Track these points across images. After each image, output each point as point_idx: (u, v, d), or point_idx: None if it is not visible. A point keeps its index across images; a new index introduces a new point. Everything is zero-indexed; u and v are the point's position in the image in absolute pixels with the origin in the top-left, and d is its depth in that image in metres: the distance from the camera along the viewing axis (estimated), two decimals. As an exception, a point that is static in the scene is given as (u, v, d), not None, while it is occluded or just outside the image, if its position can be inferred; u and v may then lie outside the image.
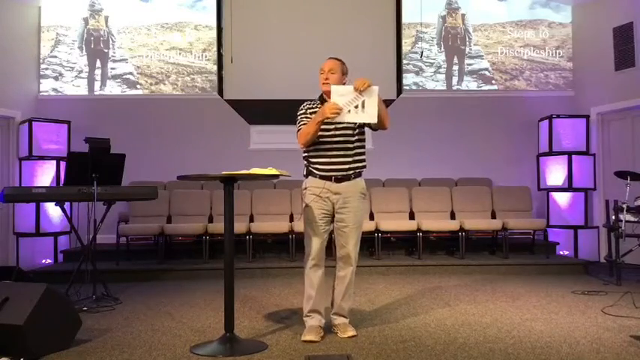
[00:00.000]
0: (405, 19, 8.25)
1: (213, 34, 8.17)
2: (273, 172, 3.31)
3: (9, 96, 7.30)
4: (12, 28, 7.43)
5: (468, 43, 8.27)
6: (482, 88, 8.23)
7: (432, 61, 8.29)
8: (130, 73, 8.06)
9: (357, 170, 3.49)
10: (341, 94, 3.24)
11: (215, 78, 8.14)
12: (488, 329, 3.63)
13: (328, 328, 3.52)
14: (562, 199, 7.42)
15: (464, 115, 8.10)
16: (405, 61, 8.24)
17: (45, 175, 6.91)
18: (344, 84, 3.47)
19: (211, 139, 7.93)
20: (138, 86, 8.05)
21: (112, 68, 8.04)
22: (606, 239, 6.16)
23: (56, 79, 7.93)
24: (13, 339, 3.00)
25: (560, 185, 7.42)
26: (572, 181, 7.32)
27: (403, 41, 8.26)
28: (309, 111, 3.50)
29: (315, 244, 3.42)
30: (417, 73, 8.26)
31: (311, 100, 3.58)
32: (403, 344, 3.30)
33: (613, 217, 5.64)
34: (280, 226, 6.35)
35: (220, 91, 8.14)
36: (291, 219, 6.70)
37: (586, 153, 7.44)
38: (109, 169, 4.79)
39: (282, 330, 3.65)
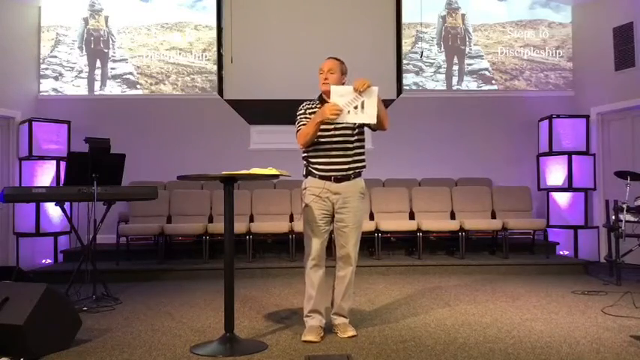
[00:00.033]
0: (405, 19, 8.26)
1: (213, 34, 8.18)
2: (273, 172, 3.31)
3: (9, 96, 7.30)
4: (12, 28, 7.43)
5: (468, 43, 8.27)
6: (482, 88, 8.23)
7: (432, 61, 8.29)
8: (130, 73, 8.06)
9: (357, 170, 3.49)
10: (340, 95, 3.24)
11: (215, 78, 8.14)
12: (488, 329, 3.63)
13: (328, 328, 3.52)
14: (562, 199, 7.42)
15: (464, 115, 8.10)
16: (405, 61, 8.24)
17: (45, 175, 6.91)
18: (343, 84, 3.47)
19: (211, 139, 7.93)
20: (138, 86, 8.05)
21: (112, 68, 8.04)
22: (606, 239, 6.16)
23: (56, 79, 7.93)
24: (13, 339, 3.00)
25: (560, 185, 7.42)
26: (572, 181, 7.32)
27: (403, 41, 8.26)
28: (308, 111, 3.50)
29: (315, 245, 3.42)
30: (417, 73, 8.26)
31: (310, 100, 3.58)
32: (403, 344, 3.30)
33: (613, 217, 5.64)
34: (280, 226, 6.35)
35: (220, 91, 8.14)
36: (291, 219, 6.70)
37: (586, 153, 7.44)
38: (109, 169, 4.79)
39: (282, 330, 3.65)
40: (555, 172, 7.46)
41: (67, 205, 4.97)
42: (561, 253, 7.07)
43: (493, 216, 6.89)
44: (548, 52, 8.22)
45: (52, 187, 5.90)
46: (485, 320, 3.88)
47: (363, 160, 3.53)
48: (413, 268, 6.06)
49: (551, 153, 7.50)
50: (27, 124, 6.93)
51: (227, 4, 8.09)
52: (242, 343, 3.30)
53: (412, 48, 8.27)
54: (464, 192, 7.05)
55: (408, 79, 8.24)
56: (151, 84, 8.08)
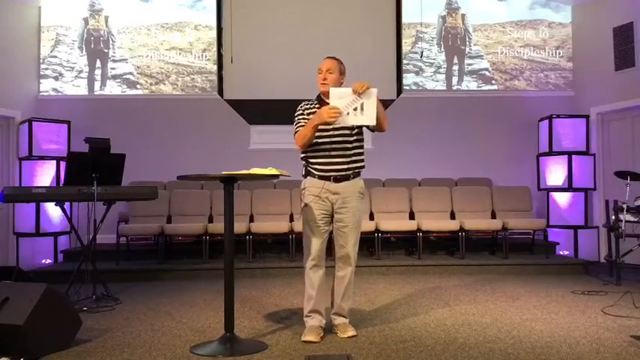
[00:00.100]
0: (405, 19, 8.26)
1: (213, 34, 8.18)
2: (273, 172, 3.31)
3: (9, 96, 7.30)
4: (12, 28, 7.43)
5: (468, 43, 8.27)
6: (482, 88, 8.23)
7: (432, 61, 8.29)
8: (130, 73, 8.06)
9: (356, 170, 3.49)
10: (339, 97, 3.24)
11: (215, 78, 8.14)
12: (488, 329, 3.63)
13: (328, 329, 3.52)
14: (562, 199, 7.42)
15: (464, 115, 8.10)
16: (405, 61, 8.24)
17: (45, 175, 6.90)
18: (342, 83, 3.48)
19: (211, 139, 7.93)
20: (138, 86, 8.05)
21: (112, 68, 8.04)
22: (606, 239, 6.16)
23: (56, 79, 7.93)
24: (13, 339, 3.00)
25: (560, 185, 7.42)
26: (572, 181, 7.32)
27: (403, 41, 8.26)
28: (306, 112, 3.49)
29: (315, 245, 3.42)
30: (417, 73, 8.26)
31: (308, 100, 3.58)
32: (403, 344, 3.30)
33: (613, 217, 5.64)
34: (280, 226, 6.35)
35: (220, 91, 8.14)
36: (291, 219, 6.70)
37: (586, 153, 7.44)
38: (109, 169, 4.79)
39: (282, 330, 3.65)
40: (555, 172, 7.46)
41: (67, 205, 4.97)
42: (561, 253, 7.07)
43: (493, 216, 6.89)
44: (548, 52, 8.22)
45: (52, 187, 5.91)
46: (485, 320, 3.88)
47: (362, 161, 3.53)
48: (413, 268, 6.06)
49: (551, 153, 7.50)
50: (27, 124, 6.93)
51: (227, 4, 8.09)
52: (242, 343, 3.30)
53: (412, 48, 8.27)
54: (464, 192, 7.05)
55: (408, 79, 8.24)
56: (151, 84, 8.08)
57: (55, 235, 6.90)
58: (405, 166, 7.85)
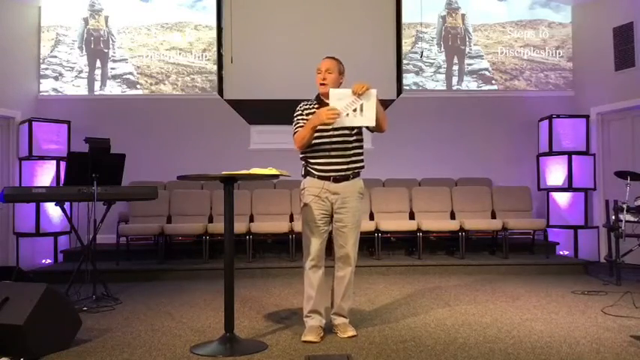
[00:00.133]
0: (405, 19, 8.26)
1: (213, 34, 8.18)
2: (273, 172, 3.31)
3: (9, 96, 7.30)
4: (12, 28, 7.43)
5: (468, 43, 8.27)
6: (482, 88, 8.23)
7: (432, 61, 8.29)
8: (130, 73, 8.06)
9: (356, 170, 3.49)
10: (339, 98, 3.25)
11: (215, 78, 8.14)
12: (488, 329, 3.63)
13: (328, 329, 3.52)
14: (562, 199, 7.42)
15: (464, 115, 8.10)
16: (405, 61, 8.24)
17: (45, 175, 6.90)
18: (341, 83, 3.48)
19: (211, 139, 7.93)
20: (138, 86, 8.05)
21: (112, 68, 8.04)
22: (606, 239, 6.16)
23: (56, 79, 7.93)
24: (13, 339, 3.00)
25: (560, 185, 7.42)
26: (572, 181, 7.32)
27: (403, 41, 8.26)
28: (305, 112, 3.49)
29: (315, 245, 3.42)
30: (417, 73, 8.26)
31: (308, 101, 3.58)
32: (403, 344, 3.30)
33: (613, 217, 5.64)
34: (280, 226, 6.35)
35: (220, 91, 8.14)
36: (291, 219, 6.70)
37: (586, 153, 7.44)
38: (109, 169, 4.79)
39: (282, 330, 3.65)
40: (555, 172, 7.46)
41: (67, 205, 4.98)
42: (561, 253, 7.07)
43: (493, 216, 6.89)
44: (548, 52, 8.22)
45: (52, 187, 5.91)
46: (485, 320, 3.88)
47: (361, 161, 3.53)
48: (413, 268, 6.06)
49: (551, 153, 7.50)
50: (27, 124, 6.93)
51: (227, 4, 8.09)
52: (242, 343, 3.30)
53: (412, 48, 8.27)
54: (464, 192, 7.05)
55: (408, 79, 8.24)
56: (151, 84, 8.08)
57: (55, 235, 6.90)
58: (405, 166, 7.85)
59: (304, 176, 3.53)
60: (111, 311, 4.30)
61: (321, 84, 3.44)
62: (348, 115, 3.24)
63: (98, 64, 8.03)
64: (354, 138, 3.47)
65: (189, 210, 6.77)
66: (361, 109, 3.24)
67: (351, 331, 3.46)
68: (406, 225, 6.48)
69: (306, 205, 3.46)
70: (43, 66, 7.90)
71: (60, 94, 7.90)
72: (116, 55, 8.06)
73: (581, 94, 7.96)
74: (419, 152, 7.98)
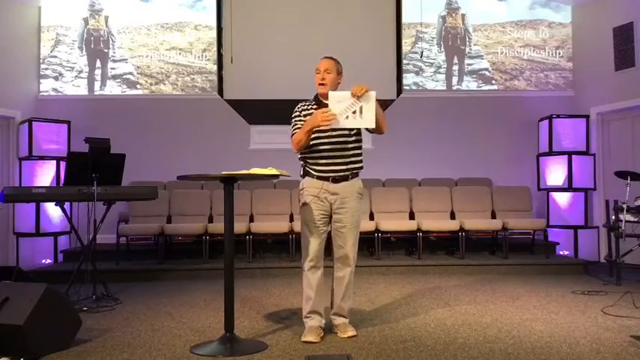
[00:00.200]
0: (405, 19, 8.26)
1: (213, 34, 8.18)
2: (273, 172, 3.31)
3: (9, 96, 7.30)
4: (12, 28, 7.43)
5: (468, 43, 8.27)
6: (482, 88, 8.23)
7: (432, 61, 8.29)
8: (130, 73, 8.06)
9: (355, 171, 3.49)
10: (338, 101, 3.25)
11: (215, 78, 8.14)
12: (488, 329, 3.63)
13: (328, 329, 3.52)
14: (562, 199, 7.42)
15: (464, 115, 8.10)
16: (405, 61, 8.24)
17: (45, 175, 6.90)
18: (339, 83, 3.49)
19: (211, 139, 7.93)
20: (138, 86, 8.05)
21: (112, 68, 8.04)
22: (606, 239, 6.16)
23: (56, 79, 7.93)
24: (13, 339, 3.00)
25: (560, 185, 7.42)
26: (572, 181, 7.32)
27: (403, 41, 8.26)
28: (303, 113, 3.49)
29: (313, 245, 3.42)
30: (417, 73, 8.26)
31: (306, 101, 3.57)
32: (403, 344, 3.30)
33: (613, 217, 5.64)
34: (280, 226, 6.35)
35: (220, 91, 8.14)
36: (291, 219, 6.70)
37: (586, 153, 7.44)
38: (109, 169, 4.79)
39: (282, 330, 3.65)
40: (555, 172, 7.46)
41: (67, 205, 4.98)
42: (561, 253, 7.06)
43: (493, 216, 6.89)
44: (548, 52, 8.22)
45: (52, 187, 5.91)
46: (485, 320, 3.88)
47: (360, 162, 3.53)
48: (413, 268, 6.06)
49: (551, 153, 7.50)
50: (27, 124, 6.93)
51: (227, 4, 8.09)
52: (242, 343, 3.30)
53: (412, 48, 8.27)
54: (464, 192, 7.05)
55: (408, 79, 8.24)
56: (151, 84, 8.08)
57: (55, 235, 6.90)
58: (405, 166, 7.85)
59: (303, 176, 3.54)
60: (111, 311, 4.30)
61: (320, 84, 3.44)
62: (347, 117, 3.25)
63: (98, 64, 8.03)
64: (353, 139, 3.47)
65: (189, 210, 6.77)
66: (360, 112, 3.24)
67: (351, 331, 3.46)
68: (406, 225, 6.48)
69: (305, 205, 3.46)
70: (43, 66, 7.90)
71: (60, 94, 7.90)
72: (116, 55, 8.06)
73: (581, 94, 7.96)
74: (419, 152, 7.98)
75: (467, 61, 8.27)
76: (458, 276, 5.85)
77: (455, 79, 8.25)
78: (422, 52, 8.16)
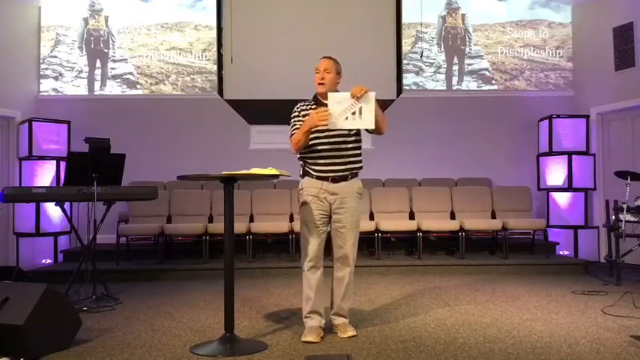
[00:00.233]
0: (405, 19, 8.26)
1: (213, 34, 8.18)
2: (273, 172, 3.31)
3: (9, 96, 7.30)
4: (12, 28, 7.43)
5: (468, 43, 8.27)
6: (482, 88, 8.23)
7: (432, 61, 8.29)
8: (130, 73, 8.06)
9: (354, 171, 3.49)
10: (338, 102, 3.26)
11: (215, 78, 8.14)
12: (488, 329, 3.63)
13: (328, 329, 3.52)
14: (562, 199, 7.42)
15: (464, 115, 8.10)
16: (405, 61, 8.24)
17: (45, 175, 6.90)
18: (338, 83, 3.49)
19: (211, 139, 7.93)
20: (138, 86, 8.05)
21: (112, 68, 8.04)
22: (606, 239, 6.16)
23: (56, 79, 7.93)
24: (13, 339, 3.00)
25: (560, 185, 7.42)
26: (572, 181, 7.32)
27: (403, 41, 8.26)
28: (302, 113, 3.49)
29: (313, 246, 3.42)
30: (417, 73, 8.26)
31: (305, 101, 3.57)
32: (403, 344, 3.30)
33: (613, 217, 5.64)
34: (280, 226, 6.35)
35: (220, 91, 8.14)
36: (291, 219, 6.70)
37: (586, 153, 7.44)
38: (109, 169, 4.79)
39: (282, 330, 3.65)
40: (555, 172, 7.46)
41: (67, 205, 4.97)
42: (561, 253, 7.06)
43: (493, 216, 6.89)
44: (548, 52, 8.22)
45: (52, 187, 5.91)
46: (485, 320, 3.88)
47: (359, 162, 3.53)
48: (413, 268, 6.06)
49: (551, 153, 7.50)
50: (27, 124, 6.93)
51: (227, 4, 8.09)
52: (242, 343, 3.30)
53: (412, 48, 8.27)
54: (464, 192, 7.05)
55: (408, 79, 8.24)
56: (151, 84, 8.08)
57: (55, 235, 6.90)
58: (405, 166, 7.85)
59: (302, 176, 3.54)
60: (111, 311, 4.30)
61: (320, 83, 3.45)
62: (347, 118, 3.26)
63: (98, 64, 8.03)
64: (353, 139, 3.47)
65: (189, 210, 6.77)
66: (360, 112, 3.25)
67: (351, 331, 3.46)
68: (406, 225, 6.48)
69: (304, 205, 3.46)
70: (43, 66, 7.91)
71: (60, 94, 7.90)
72: (116, 55, 8.06)
73: (581, 94, 7.96)
74: (419, 152, 7.98)
75: (467, 61, 8.27)
76: (458, 276, 5.85)
77: (455, 79, 8.25)
78: (422, 52, 8.16)
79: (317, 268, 3.45)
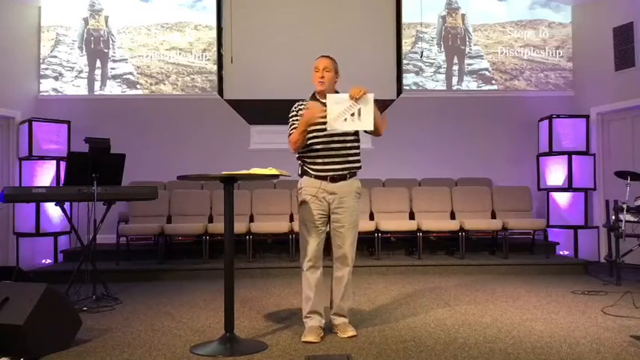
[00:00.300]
0: (405, 19, 8.26)
1: (213, 34, 8.18)
2: (273, 172, 3.32)
3: (9, 96, 7.30)
4: (12, 28, 7.43)
5: (468, 43, 8.27)
6: (482, 88, 8.23)
7: (432, 61, 8.29)
8: (130, 73, 8.06)
9: (352, 170, 3.49)
10: (337, 103, 3.28)
11: (215, 78, 8.14)
12: (488, 329, 3.63)
13: (328, 329, 3.52)
14: (562, 199, 7.42)
15: (464, 115, 8.10)
16: (405, 61, 8.24)
17: (45, 175, 6.90)
18: (335, 82, 3.50)
19: (211, 139, 7.93)
20: (138, 86, 8.05)
21: (112, 68, 8.04)
22: (606, 239, 6.16)
23: (56, 79, 7.93)
24: (13, 339, 3.00)
25: (560, 185, 7.42)
26: (572, 181, 7.32)
27: (403, 41, 8.26)
28: (300, 112, 3.49)
29: (312, 245, 3.42)
30: (417, 73, 8.26)
31: (303, 100, 3.58)
32: (403, 344, 3.30)
33: (613, 217, 5.64)
34: (280, 226, 6.35)
35: (220, 91, 8.14)
36: (291, 219, 6.70)
37: (586, 153, 7.44)
38: (109, 169, 4.79)
39: (282, 330, 3.65)
40: (555, 172, 7.46)
41: (67, 205, 4.97)
42: (561, 253, 7.07)
43: (493, 216, 6.89)
44: (548, 52, 8.22)
45: (52, 187, 5.91)
46: (485, 320, 3.88)
47: (358, 161, 3.54)
48: (413, 268, 6.06)
49: (551, 153, 7.50)
50: (27, 124, 6.93)
51: (227, 4, 8.09)
52: (242, 343, 3.30)
53: (412, 48, 8.27)
54: (464, 192, 7.05)
55: (408, 79, 8.24)
56: (151, 84, 8.08)
57: (55, 235, 6.90)
58: (405, 166, 7.85)
59: (301, 176, 3.54)
60: (111, 311, 4.30)
61: (320, 82, 3.45)
62: (346, 119, 3.27)
63: (98, 64, 8.03)
64: (352, 138, 3.48)
65: (189, 210, 6.77)
66: (359, 114, 3.26)
67: (351, 331, 3.46)
68: (406, 225, 6.48)
69: (303, 204, 3.46)
70: (43, 66, 7.91)
71: (60, 94, 7.90)
72: (116, 55, 8.06)
73: (581, 94, 7.96)
74: (419, 152, 7.98)
75: (467, 61, 8.27)
76: (458, 276, 5.85)
77: (455, 79, 8.25)
78: (422, 52, 8.16)
79: (316, 268, 3.45)
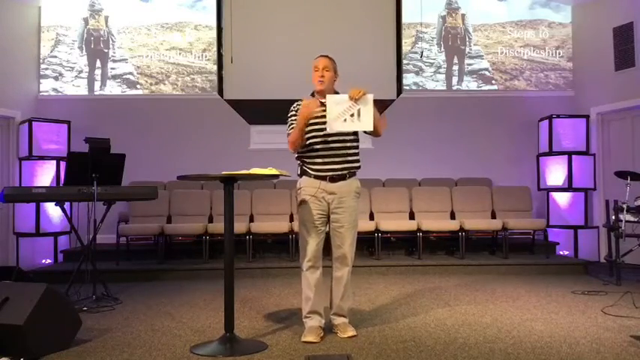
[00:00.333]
0: (405, 19, 8.25)
1: (213, 34, 8.18)
2: (273, 172, 3.32)
3: (9, 96, 7.30)
4: (12, 28, 7.43)
5: (468, 43, 8.27)
6: (482, 88, 8.23)
7: (432, 61, 8.29)
8: (130, 73, 8.06)
9: (352, 170, 3.50)
10: (337, 103, 3.29)
11: (215, 78, 8.14)
12: (488, 329, 3.63)
13: (328, 329, 3.52)
14: (562, 199, 7.42)
15: (464, 115, 8.10)
16: (405, 61, 8.24)
17: (45, 175, 6.90)
18: (335, 82, 3.51)
19: (211, 139, 7.93)
20: (138, 86, 8.05)
21: (112, 68, 8.04)
22: (606, 239, 6.16)
23: (56, 79, 7.93)
24: (13, 339, 3.00)
25: (560, 185, 7.42)
26: (572, 181, 7.32)
27: (403, 41, 8.26)
28: (299, 112, 3.49)
29: (311, 245, 3.42)
30: (417, 73, 8.26)
31: (301, 100, 3.57)
32: (403, 344, 3.30)
33: (613, 217, 5.64)
34: (280, 226, 6.35)
35: (220, 91, 8.14)
36: (291, 219, 6.70)
37: (586, 153, 7.44)
38: (109, 169, 4.79)
39: (282, 330, 3.65)
40: (555, 172, 7.46)
41: (67, 205, 4.97)
42: (561, 253, 7.07)
43: (493, 216, 6.89)
44: (548, 52, 8.22)
45: (52, 187, 5.91)
46: (485, 320, 3.88)
47: (357, 161, 3.54)
48: (413, 268, 6.06)
49: (551, 153, 7.50)
50: (27, 124, 6.93)
51: (227, 4, 8.09)
52: (242, 343, 3.30)
53: (412, 48, 8.27)
54: (464, 192, 7.05)
55: (408, 79, 8.24)
56: (151, 84, 8.08)
57: (55, 235, 6.90)
58: (405, 166, 7.85)
59: (300, 176, 3.54)
60: (111, 311, 4.30)
61: (319, 81, 3.45)
62: (345, 120, 3.27)
63: (98, 64, 8.03)
64: (351, 138, 3.48)
65: (189, 210, 6.77)
66: (358, 114, 3.27)
67: (351, 331, 3.46)
68: (406, 225, 6.48)
69: (302, 204, 3.46)
70: (43, 66, 7.91)
71: (60, 94, 7.90)
72: (116, 55, 8.06)
73: (581, 94, 7.96)
74: (419, 152, 7.98)
75: (467, 61, 8.27)
76: (458, 276, 5.85)
77: (455, 79, 8.25)
78: (422, 52, 8.16)
79: (316, 268, 3.45)
